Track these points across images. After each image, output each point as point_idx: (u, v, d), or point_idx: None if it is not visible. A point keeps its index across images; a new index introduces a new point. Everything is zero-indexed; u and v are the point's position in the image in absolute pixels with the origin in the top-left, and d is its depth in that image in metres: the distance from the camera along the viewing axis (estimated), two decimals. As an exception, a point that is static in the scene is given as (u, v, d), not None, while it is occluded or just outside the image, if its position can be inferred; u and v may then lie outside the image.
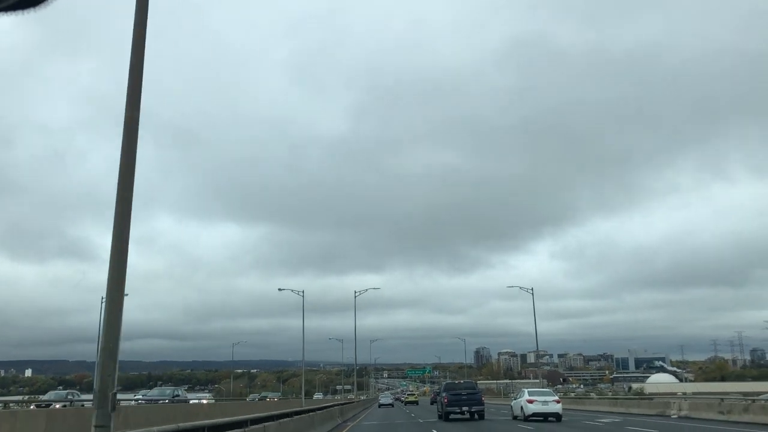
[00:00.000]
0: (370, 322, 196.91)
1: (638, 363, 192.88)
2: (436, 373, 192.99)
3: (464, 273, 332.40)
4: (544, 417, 30.26)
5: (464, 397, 33.04)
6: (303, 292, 55.84)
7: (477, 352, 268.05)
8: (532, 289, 58.63)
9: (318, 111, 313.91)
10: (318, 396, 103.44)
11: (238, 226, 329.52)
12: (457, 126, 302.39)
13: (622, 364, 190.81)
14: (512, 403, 34.80)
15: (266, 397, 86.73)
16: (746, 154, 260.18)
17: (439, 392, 38.70)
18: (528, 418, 30.27)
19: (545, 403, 30.56)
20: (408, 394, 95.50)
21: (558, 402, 31.08)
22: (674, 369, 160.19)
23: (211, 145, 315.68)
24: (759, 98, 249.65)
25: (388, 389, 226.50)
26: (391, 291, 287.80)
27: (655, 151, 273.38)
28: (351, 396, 73.66)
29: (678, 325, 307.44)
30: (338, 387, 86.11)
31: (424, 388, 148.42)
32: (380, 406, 68.07)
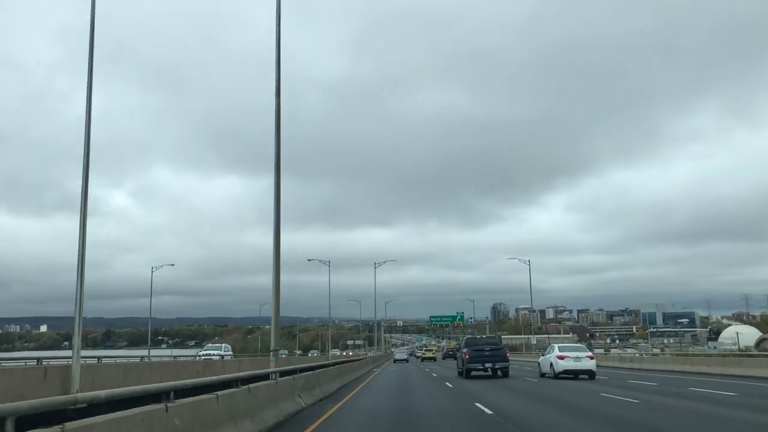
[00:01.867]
0: (382, 279, 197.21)
1: (665, 318, 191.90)
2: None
3: (474, 227, 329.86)
4: (574, 375, 28.81)
5: (487, 352, 31.78)
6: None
7: (494, 308, 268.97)
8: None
9: (313, 47, 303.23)
10: (313, 354, 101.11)
11: (239, 179, 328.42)
12: (465, 62, 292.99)
13: (650, 319, 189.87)
14: (540, 360, 33.33)
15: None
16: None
17: (459, 348, 37.26)
18: (558, 376, 28.87)
19: (578, 359, 29.08)
20: (425, 349, 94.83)
21: (591, 358, 29.55)
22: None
23: (201, 89, 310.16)
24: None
25: (403, 344, 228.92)
26: (400, 246, 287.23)
27: (677, 91, 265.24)
28: (361, 353, 72.66)
29: (696, 281, 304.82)
30: (349, 342, 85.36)
31: (450, 343, 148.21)
32: (395, 361, 73.23)
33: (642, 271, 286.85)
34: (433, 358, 79.83)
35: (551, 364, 29.80)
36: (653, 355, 52.73)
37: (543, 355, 33.62)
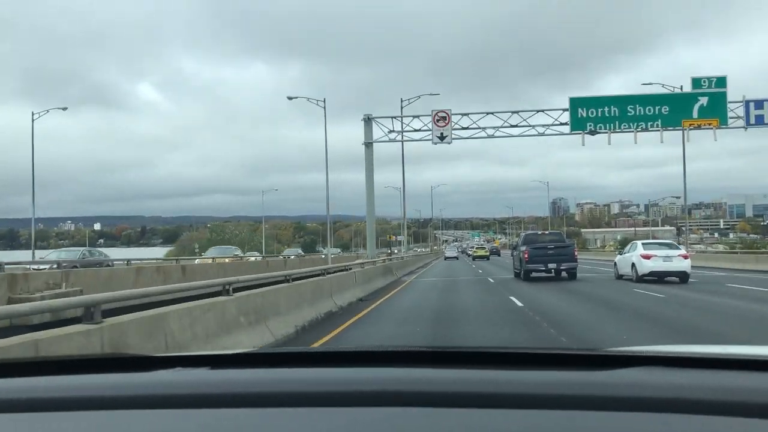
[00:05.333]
0: (430, 176, 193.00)
1: (756, 210, 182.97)
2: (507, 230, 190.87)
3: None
4: (660, 277, 25.06)
5: (551, 251, 28.36)
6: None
7: (553, 203, 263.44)
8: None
9: None
10: (335, 252, 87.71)
11: (267, 66, 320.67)
12: None
13: (737, 211, 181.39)
14: (617, 259, 29.47)
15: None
16: None
17: (516, 245, 33.69)
18: (642, 278, 25.06)
19: (668, 258, 25.11)
20: (477, 247, 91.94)
21: (685, 257, 25.51)
22: None
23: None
24: None
25: (455, 241, 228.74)
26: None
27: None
28: (398, 251, 69.19)
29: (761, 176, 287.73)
30: (394, 238, 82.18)
31: (495, 241, 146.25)
32: (446, 258, 78.14)
33: (704, 164, 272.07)
34: (486, 257, 76.84)
35: (633, 265, 25.98)
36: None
37: (621, 253, 29.66)
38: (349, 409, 1.33)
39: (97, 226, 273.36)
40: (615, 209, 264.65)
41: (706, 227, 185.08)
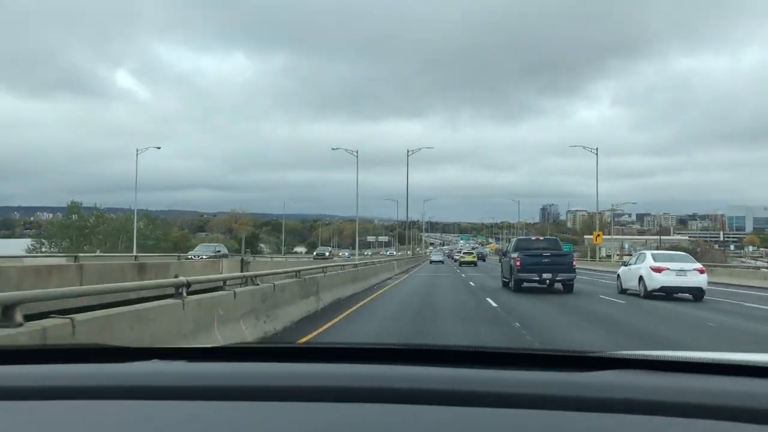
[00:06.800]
0: (417, 178, 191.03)
1: (757, 223, 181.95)
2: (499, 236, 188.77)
3: (513, 120, 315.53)
4: (667, 293, 22.57)
5: (546, 259, 25.78)
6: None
7: (543, 210, 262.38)
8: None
9: None
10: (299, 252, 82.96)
11: (247, 58, 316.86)
12: None
13: (737, 223, 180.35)
14: (621, 271, 26.85)
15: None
16: None
17: (506, 252, 31.05)
18: (652, 294, 22.43)
19: (681, 272, 22.53)
20: (464, 252, 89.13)
21: (702, 272, 22.93)
22: None
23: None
24: None
25: (442, 245, 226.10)
26: (433, 141, 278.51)
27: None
28: (350, 255, 66.94)
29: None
30: (370, 238, 79.73)
31: (490, 245, 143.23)
32: (431, 262, 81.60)
33: (692, 175, 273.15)
34: (473, 263, 73.98)
35: (641, 279, 23.37)
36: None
37: (625, 264, 27.01)
38: (326, 404, 1.36)
39: (75, 217, 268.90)
40: (604, 217, 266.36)
41: (705, 239, 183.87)
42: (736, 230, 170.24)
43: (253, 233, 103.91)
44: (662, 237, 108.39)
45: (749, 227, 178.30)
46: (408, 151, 73.72)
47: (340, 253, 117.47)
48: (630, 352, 1.77)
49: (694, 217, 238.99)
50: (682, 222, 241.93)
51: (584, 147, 67.46)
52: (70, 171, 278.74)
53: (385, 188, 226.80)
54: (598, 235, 68.71)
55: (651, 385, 1.39)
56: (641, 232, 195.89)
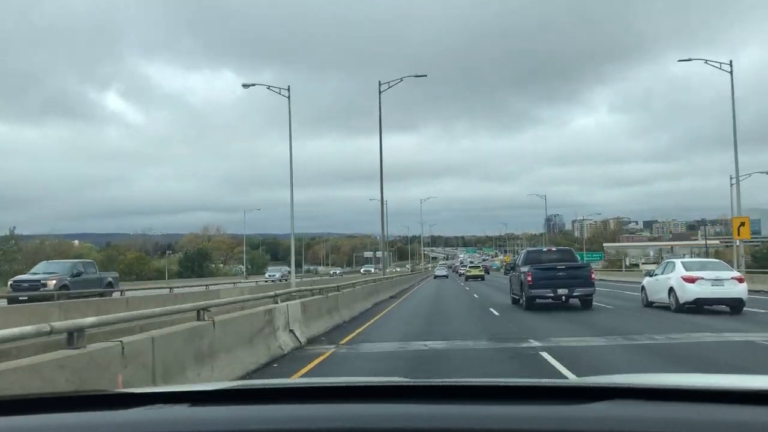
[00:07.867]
0: (415, 193, 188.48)
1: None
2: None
3: (510, 130, 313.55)
4: (698, 305, 20.30)
5: (560, 273, 23.41)
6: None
7: (548, 221, 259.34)
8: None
9: None
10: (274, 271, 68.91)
11: (236, 75, 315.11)
12: None
13: (752, 228, 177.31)
14: (645, 282, 24.50)
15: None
16: None
17: (514, 265, 28.63)
18: (685, 307, 20.04)
19: (718, 282, 20.18)
20: (470, 266, 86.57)
21: (741, 281, 20.61)
22: None
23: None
24: None
25: (446, 258, 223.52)
26: (428, 155, 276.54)
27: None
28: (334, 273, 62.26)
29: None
30: (367, 253, 77.26)
31: (505, 257, 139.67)
32: (435, 277, 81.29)
33: (691, 181, 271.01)
34: (481, 277, 71.44)
35: (671, 290, 21.00)
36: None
37: (651, 275, 24.56)
38: None
39: (75, 243, 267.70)
40: (611, 226, 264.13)
41: (718, 246, 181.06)
42: (754, 234, 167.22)
43: (201, 251, 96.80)
44: (680, 243, 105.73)
45: (765, 231, 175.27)
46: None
47: (331, 272, 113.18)
48: (624, 380, 1.67)
49: (703, 222, 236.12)
50: (692, 228, 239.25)
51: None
52: (66, 198, 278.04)
53: (375, 203, 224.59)
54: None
55: (646, 417, 1.36)
56: (651, 239, 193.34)
